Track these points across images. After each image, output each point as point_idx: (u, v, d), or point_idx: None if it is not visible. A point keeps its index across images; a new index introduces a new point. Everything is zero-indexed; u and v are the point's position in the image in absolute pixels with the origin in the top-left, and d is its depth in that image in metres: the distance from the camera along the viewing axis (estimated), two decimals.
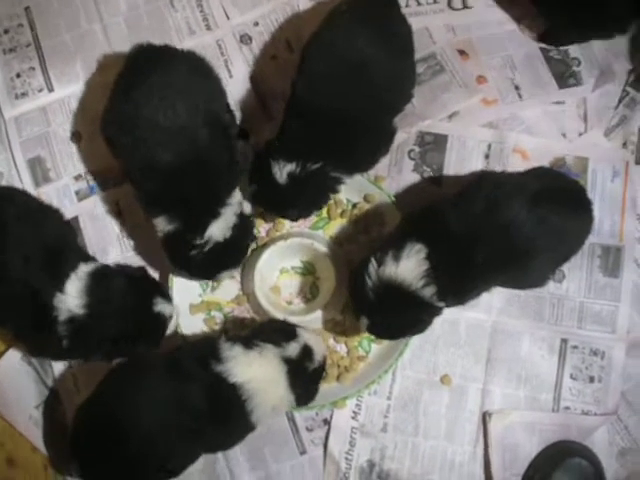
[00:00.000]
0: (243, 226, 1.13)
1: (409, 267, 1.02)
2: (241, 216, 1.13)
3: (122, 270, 1.11)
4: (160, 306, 1.10)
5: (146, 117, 1.07)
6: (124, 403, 1.00)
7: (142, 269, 1.15)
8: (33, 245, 1.05)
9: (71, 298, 1.03)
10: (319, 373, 1.09)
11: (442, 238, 1.02)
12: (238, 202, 1.13)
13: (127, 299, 1.07)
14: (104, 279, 1.07)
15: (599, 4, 1.22)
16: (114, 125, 1.11)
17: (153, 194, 1.10)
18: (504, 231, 1.01)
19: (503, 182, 1.07)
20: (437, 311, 1.07)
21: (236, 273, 1.20)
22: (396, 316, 1.06)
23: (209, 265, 1.13)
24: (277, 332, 1.07)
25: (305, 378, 1.06)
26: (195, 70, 1.14)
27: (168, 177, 1.07)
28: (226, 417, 1.01)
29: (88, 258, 1.11)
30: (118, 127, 1.10)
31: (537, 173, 1.13)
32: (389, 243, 1.06)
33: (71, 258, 1.07)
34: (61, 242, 1.10)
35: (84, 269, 1.06)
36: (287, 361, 1.03)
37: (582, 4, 1.23)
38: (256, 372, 1.01)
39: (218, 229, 1.09)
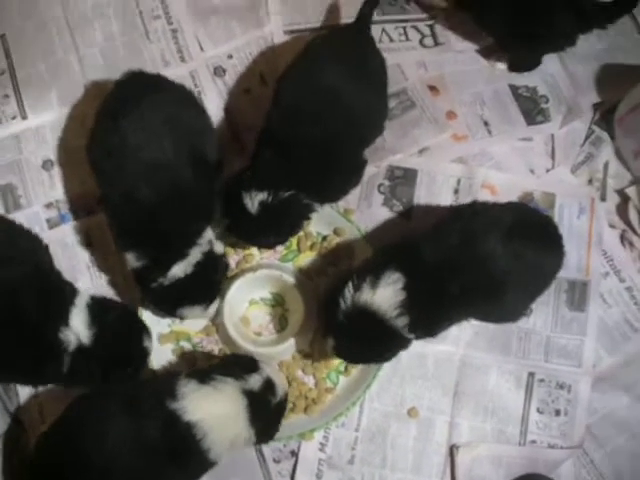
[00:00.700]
0: (209, 264, 1.13)
1: (386, 296, 1.02)
2: (208, 254, 1.13)
3: (116, 304, 1.16)
4: (147, 342, 1.13)
5: (131, 148, 1.07)
6: (81, 437, 0.98)
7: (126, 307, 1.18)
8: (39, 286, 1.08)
9: (79, 328, 1.05)
10: (281, 409, 1.08)
11: (419, 269, 1.03)
12: (207, 241, 1.13)
13: (127, 330, 1.11)
14: (108, 311, 1.10)
15: (546, 22, 1.27)
16: (99, 150, 1.12)
17: (127, 226, 1.10)
18: (479, 264, 1.03)
19: (479, 215, 1.09)
20: (405, 342, 1.08)
21: (203, 311, 1.17)
22: (364, 342, 1.07)
23: (168, 300, 1.13)
24: (238, 365, 1.06)
25: (267, 412, 1.05)
26: (185, 104, 1.15)
27: (144, 212, 1.07)
28: (183, 456, 1.00)
29: (74, 288, 1.12)
30: (103, 152, 1.10)
31: (512, 207, 1.14)
32: (367, 269, 1.06)
33: (69, 292, 1.09)
34: (59, 279, 1.13)
35: (82, 301, 1.08)
36: (248, 394, 1.02)
37: (530, 23, 1.28)
38: (211, 408, 0.99)
39: (180, 267, 1.10)
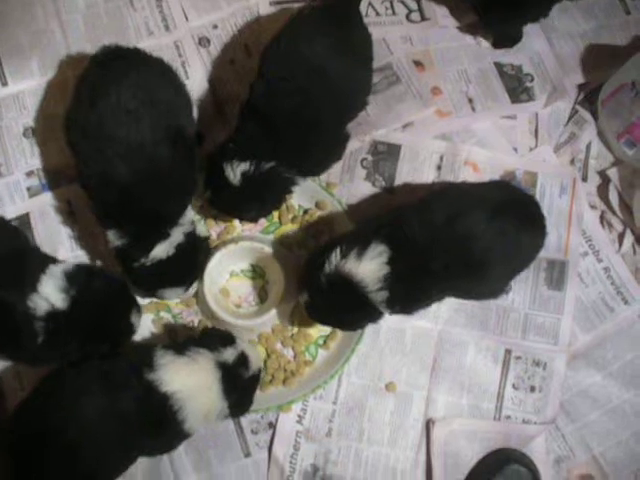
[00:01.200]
0: (190, 246, 1.13)
1: (370, 268, 1.03)
2: (190, 235, 1.12)
3: (104, 273, 1.12)
4: (134, 317, 1.11)
5: (108, 128, 1.05)
6: (55, 408, 0.98)
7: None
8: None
9: (50, 293, 1.02)
10: (254, 383, 1.09)
11: (404, 244, 1.04)
12: (189, 221, 1.13)
13: (111, 298, 1.08)
14: (89, 277, 1.06)
15: None
16: (76, 130, 1.10)
17: (106, 206, 1.09)
18: (463, 241, 1.03)
19: (465, 193, 1.10)
20: (377, 316, 1.09)
21: (182, 293, 1.18)
22: (338, 308, 1.08)
23: (149, 281, 1.13)
24: (214, 337, 1.07)
25: (240, 385, 1.06)
26: (163, 81, 1.12)
27: (123, 192, 1.06)
28: (158, 427, 1.01)
29: (55, 260, 1.10)
30: (80, 133, 1.08)
31: (497, 186, 1.15)
32: (356, 237, 1.06)
33: (36, 261, 1.06)
34: (20, 250, 1.09)
35: (56, 269, 1.05)
36: (222, 366, 1.03)
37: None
38: (186, 379, 1.00)
39: (162, 248, 1.09)
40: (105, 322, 1.08)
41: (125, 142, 1.05)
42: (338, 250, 1.04)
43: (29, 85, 1.31)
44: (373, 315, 1.08)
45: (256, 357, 1.09)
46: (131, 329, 1.12)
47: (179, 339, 1.18)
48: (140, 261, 1.10)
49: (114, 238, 1.10)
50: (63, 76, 1.30)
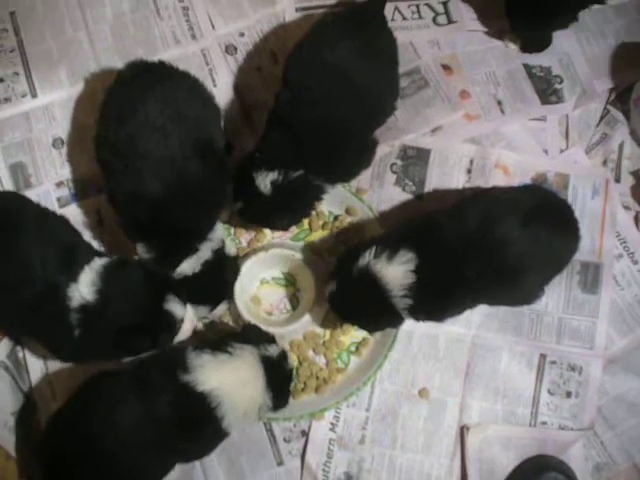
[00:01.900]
0: (217, 264, 1.12)
1: (396, 275, 1.03)
2: (218, 253, 1.12)
3: (140, 263, 1.10)
4: (171, 304, 1.07)
5: (139, 145, 1.06)
6: (91, 418, 0.99)
7: (162, 269, 1.13)
8: (50, 246, 1.05)
9: (83, 286, 1.02)
10: (291, 378, 1.09)
11: (435, 250, 1.03)
12: (219, 238, 1.13)
13: (139, 289, 1.05)
14: (121, 270, 1.06)
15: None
16: (106, 148, 1.10)
17: (135, 221, 1.10)
18: (496, 248, 1.02)
19: (498, 198, 1.09)
20: (398, 322, 1.09)
21: (207, 312, 1.17)
22: (361, 306, 1.08)
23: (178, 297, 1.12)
24: (258, 335, 1.07)
25: (282, 378, 1.06)
26: (190, 95, 1.12)
27: (153, 207, 1.06)
28: (196, 427, 1.01)
29: (103, 255, 1.10)
30: (111, 151, 1.09)
31: (530, 190, 1.14)
32: (392, 239, 1.06)
33: (84, 253, 1.07)
34: (73, 241, 1.10)
35: (99, 262, 1.05)
36: (266, 360, 1.03)
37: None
38: (226, 375, 1.00)
39: (188, 265, 1.09)
40: (137, 312, 1.06)
41: (155, 158, 1.05)
42: (373, 249, 1.05)
43: (58, 96, 1.33)
44: (393, 319, 1.08)
45: (291, 356, 1.11)
46: (171, 319, 1.08)
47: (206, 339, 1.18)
48: None
49: (142, 252, 1.10)
50: (92, 87, 1.31)
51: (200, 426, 1.01)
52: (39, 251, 1.03)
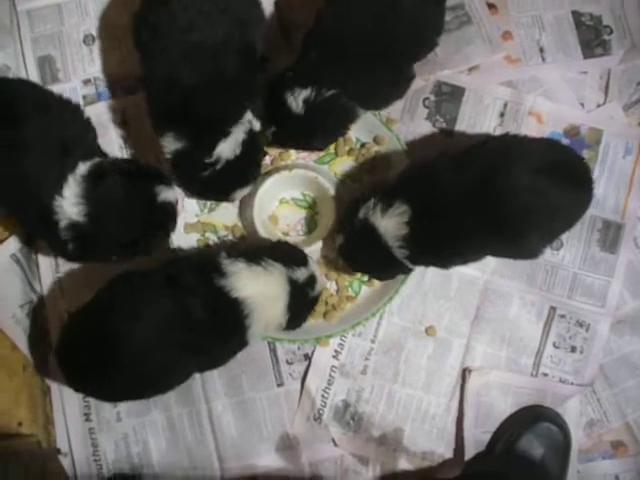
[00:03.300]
0: (252, 142, 1.11)
1: (390, 226, 1.04)
2: (250, 132, 1.10)
3: (116, 166, 1.06)
4: (163, 194, 1.07)
5: (181, 28, 1.04)
6: (118, 314, 0.98)
7: (134, 161, 1.12)
8: (49, 140, 1.02)
9: (69, 204, 1.00)
10: (314, 303, 1.10)
11: (431, 201, 1.03)
12: (248, 120, 1.10)
13: (127, 199, 1.03)
14: (100, 180, 1.03)
15: None
16: (146, 28, 1.08)
17: (167, 107, 1.07)
18: (499, 199, 1.00)
19: (507, 149, 1.06)
20: (405, 270, 1.10)
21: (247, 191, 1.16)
22: (367, 256, 1.09)
23: (222, 184, 1.12)
24: (289, 255, 1.07)
25: (302, 303, 1.07)
26: None
27: (186, 93, 1.05)
28: (225, 331, 1.01)
29: (91, 155, 1.06)
30: (150, 31, 1.06)
31: (544, 144, 1.10)
32: (390, 189, 1.07)
33: (74, 157, 1.03)
34: (73, 139, 1.06)
35: (81, 171, 1.02)
36: (292, 283, 1.04)
37: None
38: (259, 287, 1.01)
39: (228, 147, 1.07)
40: (135, 219, 1.05)
41: (194, 44, 1.03)
42: (371, 202, 1.05)
43: None
44: (400, 267, 1.08)
45: (320, 279, 1.11)
46: (166, 208, 1.08)
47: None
48: (207, 164, 1.07)
49: (171, 142, 1.08)
50: None
51: (229, 331, 1.01)
52: (36, 154, 1.01)
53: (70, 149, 1.04)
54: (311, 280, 1.07)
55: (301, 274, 1.06)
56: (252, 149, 1.11)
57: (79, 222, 1.01)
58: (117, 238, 1.04)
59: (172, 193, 1.09)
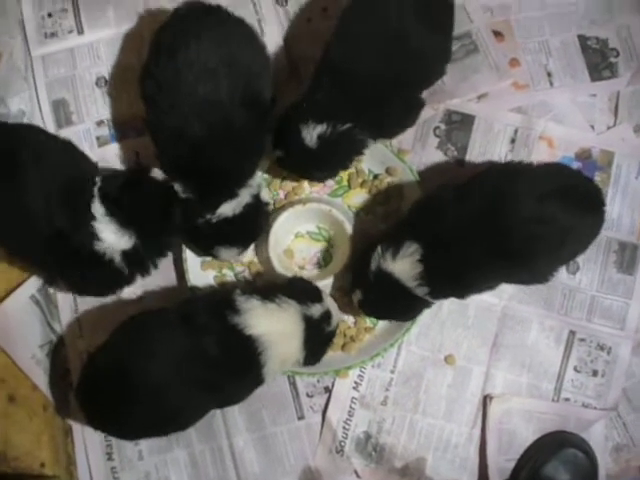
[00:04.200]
0: (256, 208, 1.12)
1: (404, 268, 1.04)
2: (256, 197, 1.12)
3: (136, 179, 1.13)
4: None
5: (187, 84, 1.04)
6: (135, 353, 0.99)
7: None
8: (53, 184, 1.04)
9: (114, 240, 1.05)
10: (331, 338, 1.10)
11: (440, 233, 1.03)
12: (257, 184, 1.12)
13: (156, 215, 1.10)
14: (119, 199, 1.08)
15: None
16: (153, 83, 1.08)
17: (175, 160, 1.09)
18: (506, 229, 1.00)
19: (512, 177, 1.05)
20: (429, 305, 1.09)
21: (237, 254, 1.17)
22: (389, 303, 1.09)
23: (209, 237, 1.12)
24: (303, 291, 1.07)
25: (319, 339, 1.07)
26: (245, 41, 1.11)
27: (194, 147, 1.06)
28: (240, 369, 1.01)
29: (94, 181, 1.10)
30: (156, 86, 1.07)
31: (551, 170, 1.10)
32: (395, 235, 1.07)
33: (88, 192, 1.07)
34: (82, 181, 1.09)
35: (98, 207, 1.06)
36: (307, 319, 1.04)
37: None
38: (273, 325, 1.01)
39: (229, 206, 1.09)
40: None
41: (201, 99, 1.04)
42: (379, 249, 1.06)
43: (105, 35, 1.31)
44: (423, 304, 1.08)
45: (337, 313, 1.10)
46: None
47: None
48: (205, 217, 1.09)
49: (179, 190, 1.09)
50: (139, 28, 1.30)
51: (244, 368, 1.02)
52: (40, 193, 1.03)
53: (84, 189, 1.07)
54: (326, 316, 1.07)
55: (316, 310, 1.06)
56: (252, 214, 1.12)
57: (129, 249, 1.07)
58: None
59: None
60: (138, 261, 1.10)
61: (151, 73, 1.09)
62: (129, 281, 1.13)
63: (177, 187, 1.09)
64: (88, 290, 1.17)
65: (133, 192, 1.09)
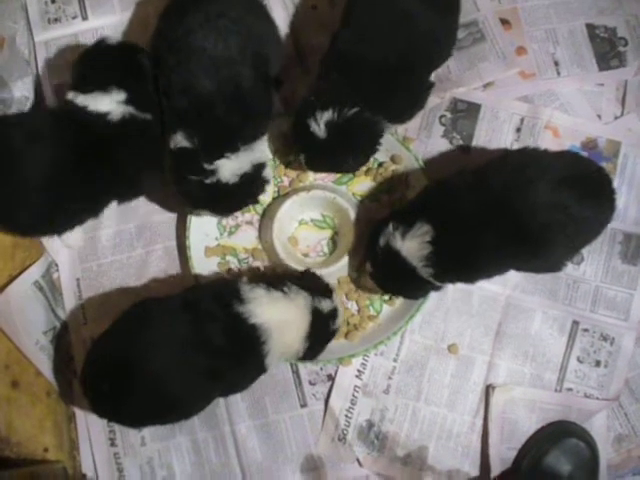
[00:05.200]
0: (253, 180, 1.11)
1: (412, 247, 1.04)
2: (256, 169, 1.10)
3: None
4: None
5: (196, 44, 1.05)
6: (139, 341, 0.99)
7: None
8: None
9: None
10: (332, 336, 1.10)
11: (453, 218, 1.03)
12: (262, 154, 1.11)
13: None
14: None
15: None
16: (163, 44, 1.10)
17: (182, 109, 1.08)
18: (520, 215, 1.00)
19: (527, 164, 1.05)
20: (434, 287, 1.09)
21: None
22: (396, 279, 1.09)
23: (200, 198, 1.11)
24: (315, 285, 1.08)
25: (322, 334, 1.07)
26: (256, 12, 1.12)
27: (202, 99, 1.06)
28: (244, 357, 1.01)
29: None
30: (166, 47, 1.09)
31: (564, 157, 1.10)
32: (407, 211, 1.07)
33: None
34: None
35: None
36: (316, 312, 1.04)
37: None
38: (278, 314, 1.01)
39: (228, 169, 1.07)
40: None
41: (209, 55, 1.05)
42: (390, 226, 1.06)
43: (109, 20, 1.31)
44: (428, 286, 1.08)
45: (342, 314, 1.11)
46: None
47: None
48: (201, 171, 1.07)
49: (180, 139, 1.07)
50: (144, 13, 1.30)
51: (246, 357, 1.02)
52: None
53: None
54: (334, 313, 1.07)
55: (326, 305, 1.06)
56: (247, 186, 1.11)
57: None
58: None
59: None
60: None
61: (161, 34, 1.11)
62: None
63: (177, 137, 1.08)
64: None
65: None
